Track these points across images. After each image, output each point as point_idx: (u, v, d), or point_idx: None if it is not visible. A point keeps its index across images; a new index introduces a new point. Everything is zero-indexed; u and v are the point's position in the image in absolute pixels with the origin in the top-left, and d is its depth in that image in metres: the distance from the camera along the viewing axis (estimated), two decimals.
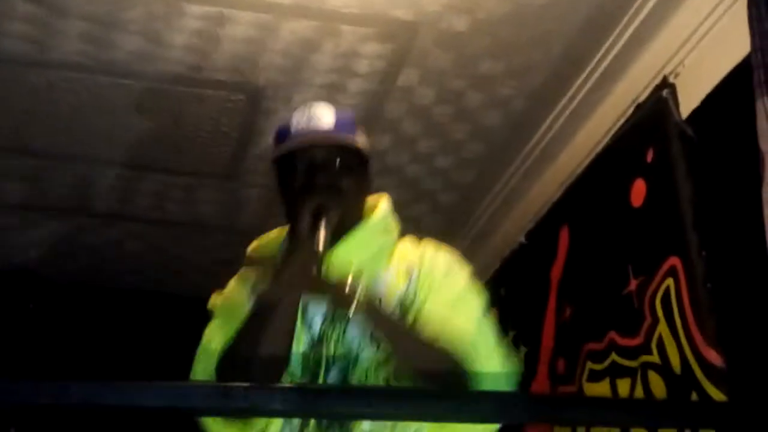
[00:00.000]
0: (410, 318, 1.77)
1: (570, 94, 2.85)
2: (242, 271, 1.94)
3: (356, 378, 1.74)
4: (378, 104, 2.96)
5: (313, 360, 1.76)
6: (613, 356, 2.61)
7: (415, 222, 3.57)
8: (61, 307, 3.94)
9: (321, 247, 1.70)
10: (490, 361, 1.72)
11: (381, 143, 3.15)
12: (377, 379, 1.74)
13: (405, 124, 3.05)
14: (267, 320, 1.69)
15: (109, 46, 2.71)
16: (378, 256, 1.83)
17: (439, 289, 1.80)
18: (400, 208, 3.42)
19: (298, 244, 1.73)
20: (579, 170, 2.94)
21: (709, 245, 2.24)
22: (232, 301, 1.86)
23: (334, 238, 1.77)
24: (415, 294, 1.79)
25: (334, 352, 1.76)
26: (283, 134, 1.88)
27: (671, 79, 2.50)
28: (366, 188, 1.89)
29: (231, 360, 1.70)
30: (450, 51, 2.72)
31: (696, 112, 2.36)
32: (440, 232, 3.64)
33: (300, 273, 1.70)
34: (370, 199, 1.91)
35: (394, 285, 1.80)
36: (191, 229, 3.28)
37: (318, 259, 1.70)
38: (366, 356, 1.75)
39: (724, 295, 2.19)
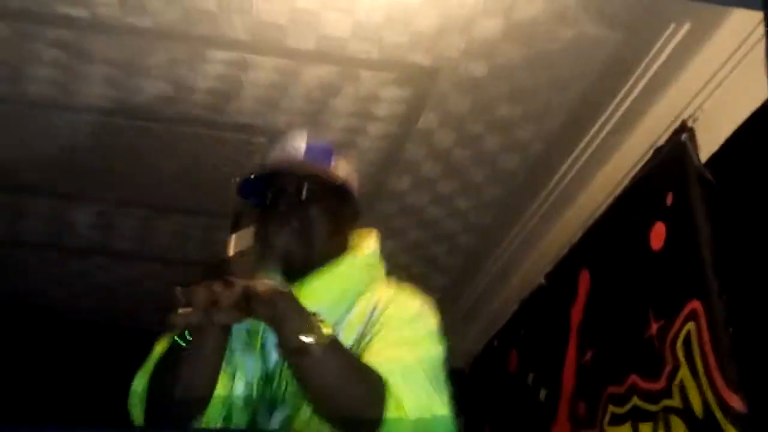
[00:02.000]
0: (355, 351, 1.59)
1: (588, 137, 2.86)
2: None
3: (301, 423, 1.57)
4: (398, 147, 2.98)
5: (258, 398, 1.61)
6: (635, 400, 2.59)
7: (433, 263, 3.58)
8: (80, 345, 3.95)
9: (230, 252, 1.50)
10: (417, 408, 1.50)
11: (400, 185, 3.17)
12: (321, 429, 1.53)
13: (424, 166, 3.07)
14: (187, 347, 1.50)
15: (133, 90, 2.75)
16: (349, 293, 1.68)
17: (398, 327, 1.62)
18: (419, 248, 3.48)
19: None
20: (598, 213, 2.94)
21: (729, 289, 2.24)
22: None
23: (306, 270, 1.65)
24: (368, 329, 1.62)
25: (284, 392, 1.60)
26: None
27: (690, 124, 2.51)
28: (342, 219, 1.75)
29: (151, 399, 1.56)
30: (468, 95, 2.74)
31: (715, 156, 2.37)
32: (459, 273, 3.68)
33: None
34: (360, 234, 1.79)
35: (352, 323, 1.65)
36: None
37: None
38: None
39: (746, 339, 2.18)
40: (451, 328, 4.36)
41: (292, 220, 1.67)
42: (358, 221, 1.80)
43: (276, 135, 2.92)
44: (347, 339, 1.61)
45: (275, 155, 1.78)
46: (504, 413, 3.48)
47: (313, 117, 2.86)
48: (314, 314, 1.47)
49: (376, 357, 1.54)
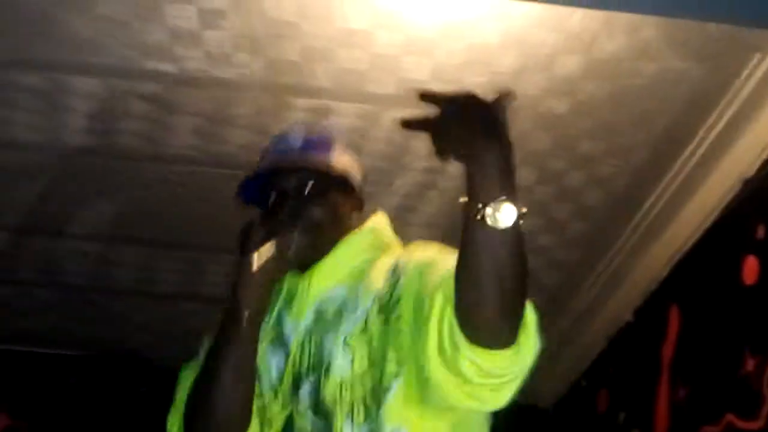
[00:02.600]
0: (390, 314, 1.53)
1: (674, 171, 2.82)
2: None
3: (329, 393, 1.54)
4: None
5: (288, 376, 1.60)
6: None
7: None
8: (172, 391, 4.01)
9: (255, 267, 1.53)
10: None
11: None
12: (353, 394, 1.53)
13: None
14: (222, 348, 1.54)
15: (219, 140, 2.82)
16: (357, 264, 1.64)
17: (429, 267, 1.52)
18: None
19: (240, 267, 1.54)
20: (686, 247, 2.89)
21: None
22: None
23: (312, 263, 1.62)
24: (393, 286, 1.55)
25: (308, 365, 1.59)
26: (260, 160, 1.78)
27: None
28: (348, 210, 1.72)
29: (193, 405, 1.58)
30: (550, 132, 2.73)
31: None
32: (543, 311, 3.62)
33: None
34: (366, 217, 1.75)
35: (369, 289, 1.58)
36: None
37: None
38: (338, 367, 1.54)
39: None
40: (535, 368, 4.30)
41: (299, 221, 1.63)
42: (362, 209, 1.75)
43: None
44: (364, 305, 1.57)
45: (274, 153, 1.75)
46: None
47: (394, 159, 2.89)
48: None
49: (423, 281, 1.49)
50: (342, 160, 1.76)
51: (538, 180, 2.93)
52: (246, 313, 1.53)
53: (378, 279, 1.59)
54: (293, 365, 1.60)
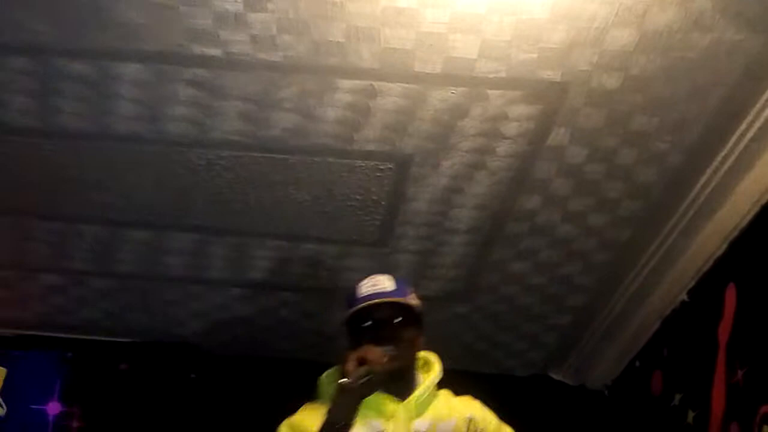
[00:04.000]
0: None
1: (729, 146, 2.75)
2: (312, 404, 2.42)
3: None
4: (528, 165, 2.94)
5: None
6: None
7: (568, 283, 3.51)
8: (221, 377, 4.03)
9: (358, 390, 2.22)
10: None
11: (531, 204, 3.12)
12: None
13: (555, 183, 3.01)
14: None
15: (266, 124, 2.81)
16: (428, 401, 2.41)
17: None
18: (552, 268, 3.41)
19: (341, 387, 2.22)
20: (743, 224, 2.82)
21: None
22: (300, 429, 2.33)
23: (392, 377, 2.32)
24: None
25: None
26: (351, 300, 2.46)
27: None
28: (419, 337, 2.45)
29: None
30: (601, 109, 2.68)
31: None
32: (595, 292, 3.59)
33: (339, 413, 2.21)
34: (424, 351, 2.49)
35: (457, 428, 2.38)
36: (343, 296, 3.32)
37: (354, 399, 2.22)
38: None
39: None
40: (588, 350, 4.29)
41: (391, 343, 2.33)
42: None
43: (403, 160, 2.96)
44: None
45: (367, 292, 2.45)
46: None
47: (441, 140, 2.86)
48: None
49: None
50: (416, 302, 2.49)
51: (590, 158, 2.88)
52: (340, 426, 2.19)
53: (461, 426, 2.39)
54: None
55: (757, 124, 2.65)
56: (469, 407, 2.47)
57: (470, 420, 2.41)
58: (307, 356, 3.83)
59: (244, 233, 3.36)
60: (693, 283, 3.12)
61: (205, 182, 3.09)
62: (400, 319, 2.42)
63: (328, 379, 2.43)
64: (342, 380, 2.19)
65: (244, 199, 3.16)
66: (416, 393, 2.39)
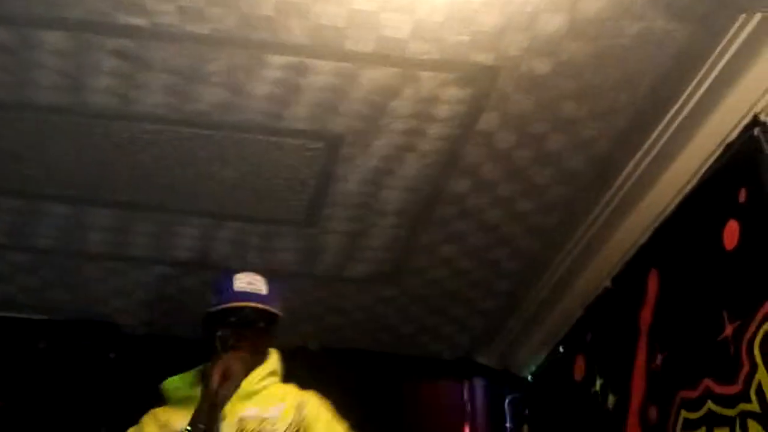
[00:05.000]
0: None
1: (656, 134, 2.79)
2: (156, 409, 2.76)
3: None
4: (458, 148, 2.94)
5: None
6: (709, 404, 2.52)
7: (495, 267, 3.53)
8: (141, 357, 3.95)
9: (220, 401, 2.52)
10: None
11: (460, 187, 3.12)
12: None
13: (485, 168, 3.02)
14: None
15: (192, 98, 2.75)
16: (267, 390, 2.72)
17: (326, 424, 2.73)
18: (479, 252, 3.42)
19: (207, 393, 2.53)
20: (667, 212, 2.87)
21: None
22: None
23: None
24: (303, 419, 2.68)
25: None
26: (221, 289, 2.82)
27: (762, 117, 2.44)
28: (272, 341, 2.81)
29: None
30: (531, 94, 2.69)
31: None
32: (521, 277, 3.61)
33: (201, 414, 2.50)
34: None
35: (285, 413, 2.67)
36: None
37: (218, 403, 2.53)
38: None
39: None
40: (513, 335, 4.33)
41: (247, 342, 2.71)
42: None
43: (333, 140, 2.93)
44: (284, 424, 2.66)
45: (241, 288, 2.85)
46: (570, 421, 3.41)
47: (372, 120, 2.83)
48: None
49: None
50: (280, 313, 2.86)
51: (518, 143, 2.89)
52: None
53: (289, 411, 2.68)
54: None
55: (683, 114, 2.69)
56: (306, 395, 2.74)
57: (300, 404, 2.70)
58: None
59: (168, 210, 3.29)
60: (617, 269, 3.16)
61: (128, 156, 3.01)
62: (262, 324, 2.76)
63: (173, 386, 2.81)
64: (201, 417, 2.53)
65: (168, 174, 3.09)
66: (249, 377, 2.65)
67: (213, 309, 2.79)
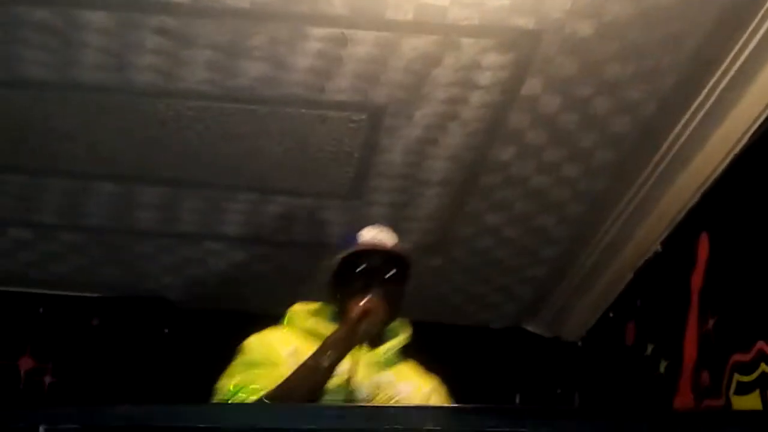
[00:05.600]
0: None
1: (703, 95, 2.73)
2: (281, 327, 2.42)
3: None
4: (501, 115, 2.91)
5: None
6: (763, 367, 2.48)
7: (542, 234, 3.50)
8: (194, 331, 4.01)
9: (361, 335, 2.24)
10: None
11: (505, 155, 3.10)
12: None
13: (529, 134, 2.99)
14: (310, 383, 2.18)
15: (235, 73, 2.76)
16: (395, 360, 2.39)
17: None
18: (526, 220, 3.40)
19: (347, 330, 2.24)
20: (716, 174, 2.82)
21: None
22: (272, 355, 2.30)
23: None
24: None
25: None
26: (346, 244, 2.41)
27: None
28: (403, 296, 2.42)
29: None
30: (575, 57, 2.65)
31: None
32: (569, 244, 3.59)
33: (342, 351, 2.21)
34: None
35: (415, 392, 2.36)
36: (317, 250, 3.30)
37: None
38: None
39: None
40: (562, 302, 4.30)
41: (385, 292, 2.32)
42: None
43: (376, 111, 2.93)
44: (415, 394, 2.37)
45: (369, 239, 2.41)
46: (621, 387, 3.39)
47: (414, 89, 2.82)
48: None
49: None
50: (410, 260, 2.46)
51: (563, 107, 2.86)
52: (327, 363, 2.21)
53: (419, 391, 2.37)
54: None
55: (730, 74, 2.63)
56: (434, 382, 2.45)
57: (430, 390, 2.40)
58: (280, 311, 3.81)
59: (215, 186, 3.32)
60: (666, 233, 3.12)
61: (173, 134, 3.04)
62: (393, 271, 2.38)
63: (302, 314, 2.44)
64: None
65: (213, 150, 3.11)
66: (387, 345, 2.36)
67: (335, 263, 2.42)
